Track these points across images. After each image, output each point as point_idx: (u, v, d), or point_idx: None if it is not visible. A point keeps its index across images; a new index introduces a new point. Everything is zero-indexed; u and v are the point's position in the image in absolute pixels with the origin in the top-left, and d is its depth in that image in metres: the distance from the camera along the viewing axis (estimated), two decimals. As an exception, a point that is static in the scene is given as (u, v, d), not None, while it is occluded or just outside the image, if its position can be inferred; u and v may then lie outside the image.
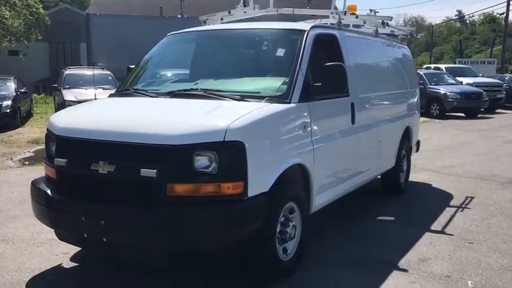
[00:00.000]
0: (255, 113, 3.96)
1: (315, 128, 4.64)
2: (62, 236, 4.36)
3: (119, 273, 4.51)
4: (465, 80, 21.31)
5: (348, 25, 6.89)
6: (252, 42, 5.18)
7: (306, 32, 4.87)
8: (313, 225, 5.57)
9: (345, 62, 5.37)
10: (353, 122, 5.44)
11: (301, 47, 4.71)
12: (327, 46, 5.24)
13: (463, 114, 19.38)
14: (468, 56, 58.33)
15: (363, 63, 6.00)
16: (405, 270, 4.59)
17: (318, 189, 4.80)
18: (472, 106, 19.19)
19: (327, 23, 6.80)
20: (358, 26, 6.96)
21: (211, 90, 4.49)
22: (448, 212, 6.53)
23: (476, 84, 20.83)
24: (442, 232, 5.69)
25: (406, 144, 7.55)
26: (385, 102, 6.53)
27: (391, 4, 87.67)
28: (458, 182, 8.33)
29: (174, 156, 3.67)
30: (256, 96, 4.38)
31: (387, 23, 6.71)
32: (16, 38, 25.63)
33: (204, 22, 6.37)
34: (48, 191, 4.17)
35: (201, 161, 3.69)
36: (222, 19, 6.27)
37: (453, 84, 20.10)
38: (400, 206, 6.85)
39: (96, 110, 4.67)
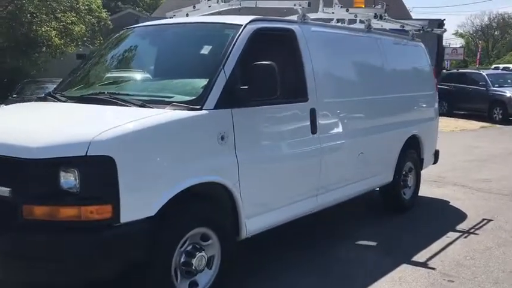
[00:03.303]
0: (138, 123, 3.31)
1: (242, 139, 3.91)
2: None
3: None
4: (537, 81, 19.23)
5: (331, 19, 6.22)
6: (185, 39, 4.53)
7: (242, 27, 4.15)
8: (266, 250, 4.91)
9: (304, 62, 4.61)
10: (313, 131, 4.63)
11: (230, 44, 4.00)
12: (276, 43, 4.49)
13: (532, 120, 17.47)
14: (560, 55, 53.67)
15: (336, 63, 5.15)
16: (345, 315, 3.76)
17: (252, 212, 4.06)
18: (541, 111, 17.21)
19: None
20: (350, 21, 6.19)
21: (118, 94, 3.93)
22: (448, 237, 5.51)
23: (550, 87, 18.70)
24: (423, 264, 4.73)
25: (413, 155, 6.55)
26: (372, 108, 5.59)
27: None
28: (485, 200, 7.18)
29: (34, 172, 3.12)
30: (165, 101, 3.75)
31: (380, 15, 5.79)
32: (82, 41, 26.46)
33: (171, 18, 5.79)
34: None
35: (67, 179, 3.10)
36: (187, 14, 5.67)
37: (521, 86, 18.19)
38: (393, 227, 5.90)
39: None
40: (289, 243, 5.19)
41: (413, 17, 27.24)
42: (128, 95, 3.89)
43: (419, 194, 7.05)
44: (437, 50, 20.54)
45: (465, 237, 5.55)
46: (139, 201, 3.24)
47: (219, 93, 3.77)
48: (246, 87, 3.84)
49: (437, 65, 20.68)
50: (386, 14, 6.10)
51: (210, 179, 3.68)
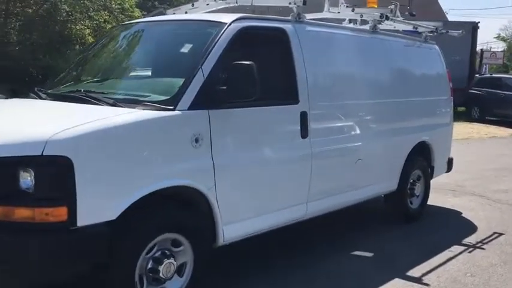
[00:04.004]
0: (100, 122, 3.18)
1: (220, 142, 3.74)
2: None
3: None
4: None
5: (344, 19, 6.00)
6: (170, 37, 4.40)
7: (226, 25, 3.98)
8: (256, 256, 4.76)
9: (296, 63, 4.41)
10: (304, 135, 4.42)
11: (212, 43, 3.84)
12: (265, 42, 4.32)
13: None
14: None
15: (334, 65, 4.93)
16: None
17: (231, 218, 3.88)
18: None
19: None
20: (363, 22, 5.95)
21: (94, 92, 3.83)
22: (451, 251, 5.20)
23: None
24: (417, 280, 4.46)
25: (422, 163, 6.25)
26: (374, 113, 5.32)
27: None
28: (500, 212, 6.81)
29: None
30: (139, 100, 3.63)
31: (386, 16, 5.53)
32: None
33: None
34: None
35: (25, 179, 3.01)
36: (186, 12, 5.55)
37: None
38: (395, 238, 5.61)
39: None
40: (278, 250, 5.00)
41: (449, 20, 26.52)
42: (103, 93, 3.79)
43: (431, 204, 6.77)
44: (471, 53, 19.89)
45: (469, 251, 5.23)
46: (98, 205, 3.11)
47: (194, 94, 3.61)
48: (225, 87, 3.68)
49: (470, 69, 20.05)
50: (394, 14, 5.84)
51: (179, 182, 3.51)
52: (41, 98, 4.13)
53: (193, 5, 5.52)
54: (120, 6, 26.46)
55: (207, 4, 5.40)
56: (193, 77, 3.65)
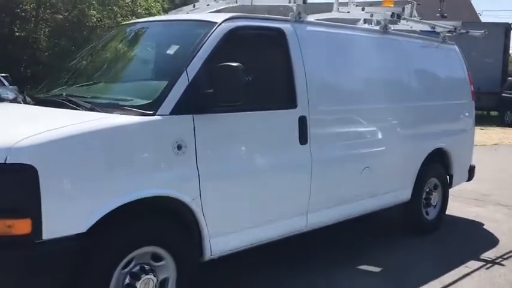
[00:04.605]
0: (69, 128, 2.97)
1: (206, 149, 3.50)
2: None
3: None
4: None
5: (358, 20, 5.72)
6: (160, 38, 4.20)
7: (216, 25, 3.75)
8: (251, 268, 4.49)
9: (294, 64, 4.14)
10: (303, 141, 4.15)
11: (199, 44, 3.61)
12: (260, 43, 4.07)
13: None
14: None
15: (338, 67, 4.63)
16: None
17: (219, 230, 3.63)
18: None
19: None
20: (371, 22, 5.66)
21: (76, 96, 3.64)
22: (467, 267, 4.83)
23: None
24: (425, 299, 4.14)
25: (439, 171, 5.88)
26: (383, 118, 4.99)
27: None
28: (526, 224, 6.37)
29: None
30: (119, 105, 3.42)
31: (397, 15, 5.20)
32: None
33: (173, 18, 5.50)
34: None
35: None
36: (187, 13, 5.36)
37: None
38: (408, 251, 5.26)
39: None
40: (279, 259, 4.75)
41: (482, 21, 25.76)
42: (84, 97, 3.59)
43: (451, 214, 6.41)
44: (503, 55, 19.17)
45: (487, 268, 4.85)
46: (66, 216, 2.90)
47: (177, 98, 3.38)
48: (211, 91, 3.44)
49: (503, 72, 19.35)
50: (410, 14, 5.52)
51: (158, 192, 3.28)
52: (25, 102, 3.98)
53: (194, 5, 5.32)
54: (147, 12, 26.73)
55: (208, 5, 5.19)
56: (177, 80, 3.42)
